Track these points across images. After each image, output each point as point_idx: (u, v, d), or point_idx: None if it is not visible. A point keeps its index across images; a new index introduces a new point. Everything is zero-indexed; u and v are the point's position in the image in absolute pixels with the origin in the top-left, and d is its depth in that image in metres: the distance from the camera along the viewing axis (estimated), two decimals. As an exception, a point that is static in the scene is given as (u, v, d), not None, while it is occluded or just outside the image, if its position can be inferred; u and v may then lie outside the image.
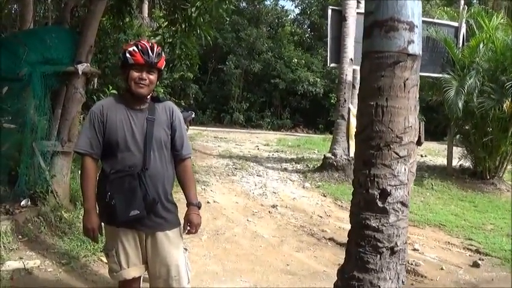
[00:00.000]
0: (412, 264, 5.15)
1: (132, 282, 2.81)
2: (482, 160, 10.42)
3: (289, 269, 4.98)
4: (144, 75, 2.65)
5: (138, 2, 9.30)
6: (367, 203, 2.51)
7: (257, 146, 14.72)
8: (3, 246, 4.37)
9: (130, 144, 2.65)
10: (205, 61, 22.42)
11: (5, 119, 5.41)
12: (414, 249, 5.73)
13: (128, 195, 2.57)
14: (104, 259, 4.25)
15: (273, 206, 7.49)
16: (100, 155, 2.71)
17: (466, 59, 10.41)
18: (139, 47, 2.63)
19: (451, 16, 12.32)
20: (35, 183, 5.15)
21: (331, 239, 6.07)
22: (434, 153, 14.58)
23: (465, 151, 11.29)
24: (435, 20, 11.49)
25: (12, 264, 4.14)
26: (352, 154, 9.88)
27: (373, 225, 2.47)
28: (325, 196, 8.50)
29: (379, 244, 2.47)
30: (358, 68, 9.95)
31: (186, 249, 2.89)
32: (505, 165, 10.59)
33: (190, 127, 16.25)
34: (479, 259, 5.54)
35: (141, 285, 2.98)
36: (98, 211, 2.72)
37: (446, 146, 12.01)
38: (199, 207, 2.83)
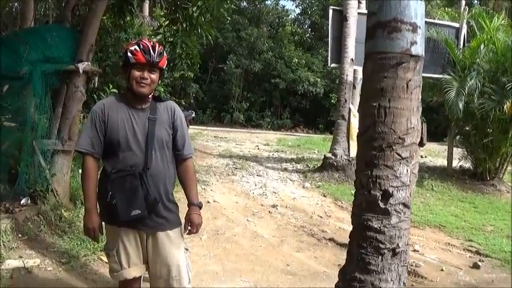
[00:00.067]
0: (412, 265, 5.14)
1: (132, 282, 2.81)
2: (483, 161, 10.41)
3: (290, 269, 4.98)
4: (146, 74, 2.64)
5: (139, 1, 9.28)
6: (369, 204, 2.50)
7: (257, 146, 14.70)
8: (3, 244, 4.36)
9: (132, 143, 2.64)
10: (205, 60, 22.41)
11: (5, 117, 5.40)
12: (414, 250, 5.72)
13: (129, 194, 2.56)
14: (104, 258, 4.25)
15: (273, 206, 7.48)
16: (101, 154, 2.70)
17: (466, 60, 10.40)
18: (141, 46, 2.63)
19: (452, 17, 12.31)
20: (35, 181, 5.14)
21: (331, 240, 6.06)
22: (435, 154, 14.57)
23: (465, 152, 11.28)
24: (436, 21, 11.49)
25: (12, 263, 4.13)
26: (352, 154, 9.89)
27: (375, 226, 2.47)
28: (325, 196, 8.49)
29: (380, 245, 2.47)
30: (358, 68, 10.00)
31: (187, 249, 2.89)
32: (505, 167, 10.59)
33: (190, 126, 16.20)
34: (480, 260, 5.54)
35: (141, 285, 2.97)
36: (98, 210, 2.72)
37: (446, 147, 12.00)
38: (200, 207, 2.83)
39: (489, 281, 5.05)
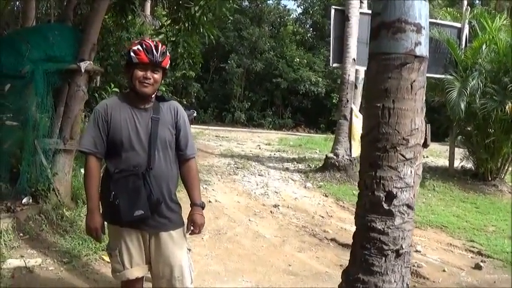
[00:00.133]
0: (414, 265, 5.13)
1: (135, 282, 2.80)
2: (484, 161, 10.40)
3: (291, 269, 4.97)
4: (149, 74, 2.63)
5: (140, 0, 9.28)
6: (373, 205, 2.49)
7: (259, 146, 14.70)
8: (4, 244, 4.36)
9: (135, 143, 2.63)
10: (207, 60, 22.42)
11: (7, 116, 5.38)
12: (416, 251, 5.71)
13: (132, 195, 2.55)
14: (106, 258, 4.25)
15: (275, 206, 7.47)
16: (104, 154, 2.69)
17: (468, 60, 10.38)
18: (144, 46, 2.61)
19: (453, 17, 12.27)
20: (37, 181, 5.14)
21: (333, 240, 6.05)
22: (436, 154, 14.55)
23: (467, 152, 11.27)
24: (438, 21, 11.46)
25: (13, 262, 4.13)
26: (354, 154, 9.88)
27: (379, 227, 2.46)
28: (327, 196, 8.48)
29: (384, 246, 2.45)
30: (360, 68, 9.98)
31: (189, 250, 2.88)
32: (506, 167, 10.58)
33: (191, 126, 16.21)
34: (481, 261, 5.54)
35: (143, 286, 2.97)
36: (101, 210, 2.71)
37: (448, 147, 11.99)
38: (203, 208, 2.82)
39: (491, 282, 5.04)
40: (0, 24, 7.94)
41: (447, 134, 12.98)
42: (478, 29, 10.94)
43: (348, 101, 10.11)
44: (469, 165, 11.26)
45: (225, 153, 12.40)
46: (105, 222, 2.73)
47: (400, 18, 2.42)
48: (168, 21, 7.95)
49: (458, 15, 12.12)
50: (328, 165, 9.97)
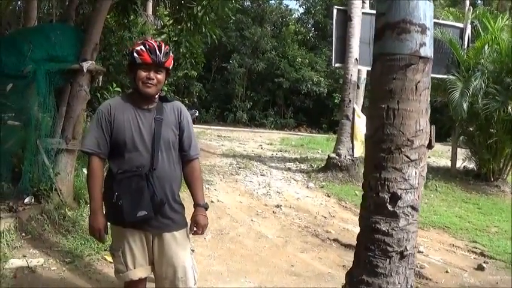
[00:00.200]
0: (417, 266, 5.12)
1: (138, 283, 2.79)
2: (487, 162, 10.39)
3: (294, 270, 4.96)
4: (152, 74, 2.62)
5: (142, 0, 9.27)
6: (377, 207, 2.48)
7: (260, 145, 14.69)
8: (7, 244, 4.35)
9: (138, 144, 2.62)
10: (209, 59, 22.39)
11: (9, 116, 5.38)
12: (419, 252, 5.69)
13: (135, 195, 2.54)
14: (108, 258, 4.25)
15: (277, 206, 7.47)
16: (107, 155, 2.68)
17: (471, 60, 10.37)
18: (147, 46, 2.60)
19: (456, 17, 12.25)
20: (39, 180, 5.14)
21: (335, 240, 6.03)
22: (438, 154, 14.52)
23: (469, 153, 11.25)
24: (440, 21, 11.43)
25: (15, 262, 4.12)
26: (356, 154, 9.87)
27: (383, 229, 2.45)
28: (329, 196, 8.47)
29: (388, 248, 2.44)
30: (362, 68, 9.97)
31: (193, 250, 2.87)
32: (509, 168, 10.56)
33: (194, 125, 16.21)
34: (484, 262, 5.53)
35: (146, 286, 2.96)
36: (104, 211, 2.71)
37: (450, 148, 11.97)
38: (206, 209, 2.81)
39: (493, 283, 5.04)
40: (2, 24, 7.94)
41: (449, 134, 12.94)
42: (480, 29, 10.91)
43: (350, 101, 10.11)
44: (472, 165, 11.25)
45: (227, 153, 12.40)
46: (108, 223, 2.72)
47: (404, 18, 2.41)
48: (170, 21, 7.94)
49: (460, 15, 12.12)
50: (331, 165, 9.96)
